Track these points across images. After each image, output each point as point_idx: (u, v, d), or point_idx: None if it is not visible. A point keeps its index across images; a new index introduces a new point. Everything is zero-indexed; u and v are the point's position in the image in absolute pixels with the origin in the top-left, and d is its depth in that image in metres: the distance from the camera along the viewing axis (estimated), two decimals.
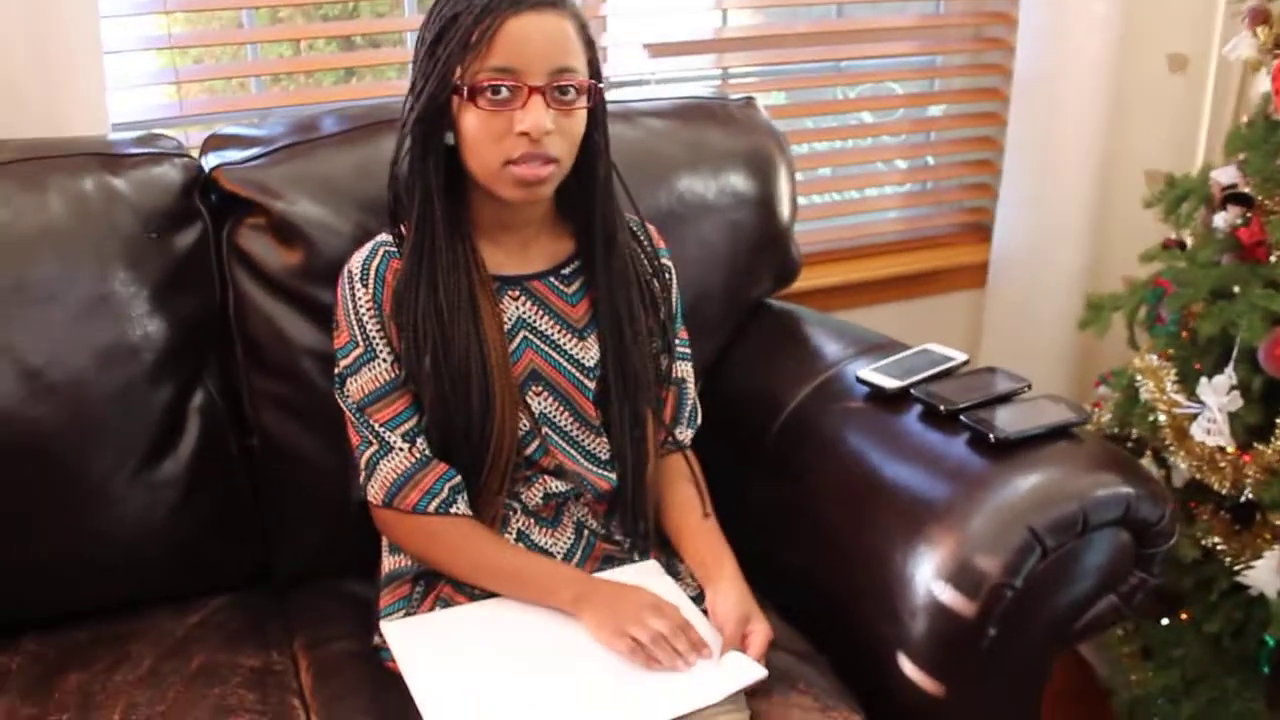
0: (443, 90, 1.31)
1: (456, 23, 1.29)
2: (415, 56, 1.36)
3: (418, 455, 1.39)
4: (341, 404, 1.42)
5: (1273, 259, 1.68)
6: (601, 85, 1.37)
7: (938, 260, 2.51)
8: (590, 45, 1.36)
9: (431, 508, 1.38)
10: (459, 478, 1.40)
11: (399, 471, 1.38)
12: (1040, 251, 2.40)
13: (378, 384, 1.39)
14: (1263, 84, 1.70)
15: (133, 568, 1.53)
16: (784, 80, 2.42)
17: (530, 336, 1.43)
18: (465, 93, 1.29)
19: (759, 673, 1.29)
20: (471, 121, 1.30)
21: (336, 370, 1.42)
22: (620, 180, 1.47)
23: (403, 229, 1.39)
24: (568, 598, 1.34)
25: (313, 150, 1.59)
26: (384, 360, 1.39)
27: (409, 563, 1.44)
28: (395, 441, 1.39)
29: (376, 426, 1.39)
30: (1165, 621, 1.94)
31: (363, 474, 1.41)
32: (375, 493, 1.40)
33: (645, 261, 1.50)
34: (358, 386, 1.39)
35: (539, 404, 1.43)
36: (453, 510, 1.38)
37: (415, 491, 1.38)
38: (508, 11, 1.27)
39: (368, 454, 1.40)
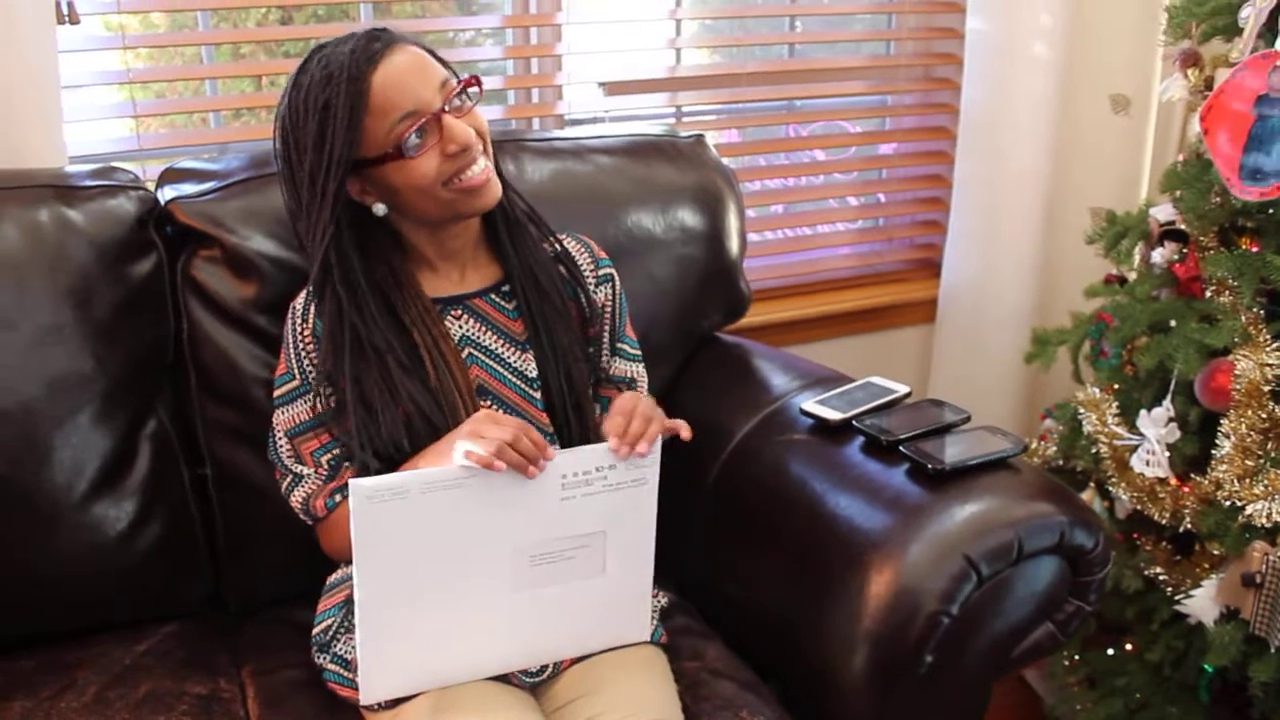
0: (343, 182, 1.32)
1: (330, 109, 1.30)
2: (289, 174, 1.36)
3: (326, 472, 1.41)
4: (272, 427, 1.44)
5: (1207, 293, 1.71)
6: (472, 78, 1.37)
7: (889, 295, 2.54)
8: (441, 60, 1.39)
9: (339, 499, 1.40)
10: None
11: (309, 490, 1.42)
12: (988, 287, 2.42)
13: (311, 415, 1.41)
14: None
15: (82, 595, 1.53)
16: (738, 118, 2.45)
17: (475, 352, 1.46)
18: (386, 157, 1.32)
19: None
20: (408, 174, 1.33)
21: (273, 395, 1.44)
22: (529, 207, 1.50)
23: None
24: (444, 459, 1.29)
25: (268, 185, 1.59)
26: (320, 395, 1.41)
27: (345, 572, 1.45)
28: (305, 471, 1.42)
29: (286, 459, 1.43)
30: (1111, 651, 1.96)
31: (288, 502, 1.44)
32: (298, 512, 1.44)
33: (572, 277, 1.52)
34: (289, 416, 1.42)
35: None
36: None
37: (323, 496, 1.41)
38: (368, 69, 1.29)
39: (284, 485, 1.44)
